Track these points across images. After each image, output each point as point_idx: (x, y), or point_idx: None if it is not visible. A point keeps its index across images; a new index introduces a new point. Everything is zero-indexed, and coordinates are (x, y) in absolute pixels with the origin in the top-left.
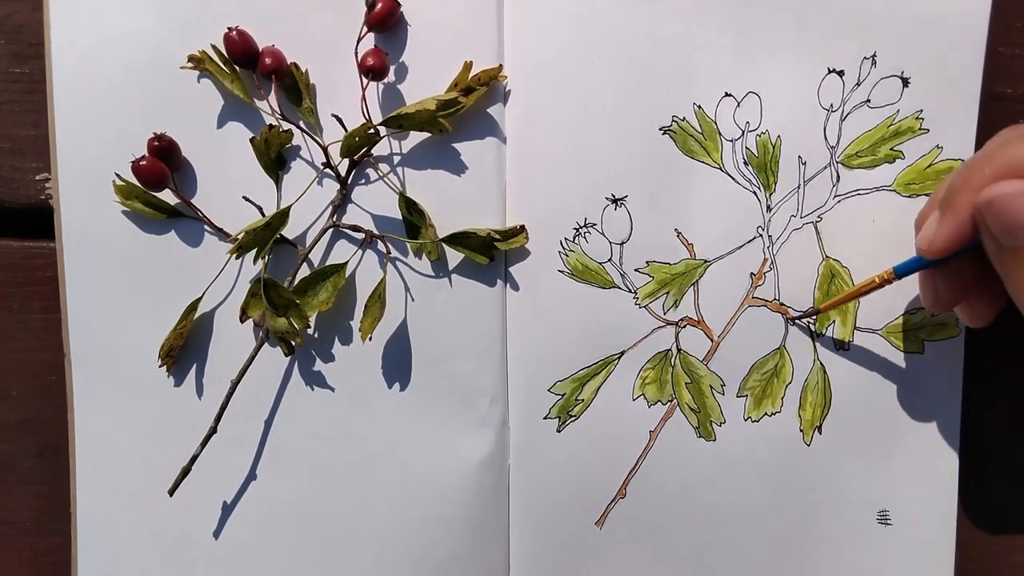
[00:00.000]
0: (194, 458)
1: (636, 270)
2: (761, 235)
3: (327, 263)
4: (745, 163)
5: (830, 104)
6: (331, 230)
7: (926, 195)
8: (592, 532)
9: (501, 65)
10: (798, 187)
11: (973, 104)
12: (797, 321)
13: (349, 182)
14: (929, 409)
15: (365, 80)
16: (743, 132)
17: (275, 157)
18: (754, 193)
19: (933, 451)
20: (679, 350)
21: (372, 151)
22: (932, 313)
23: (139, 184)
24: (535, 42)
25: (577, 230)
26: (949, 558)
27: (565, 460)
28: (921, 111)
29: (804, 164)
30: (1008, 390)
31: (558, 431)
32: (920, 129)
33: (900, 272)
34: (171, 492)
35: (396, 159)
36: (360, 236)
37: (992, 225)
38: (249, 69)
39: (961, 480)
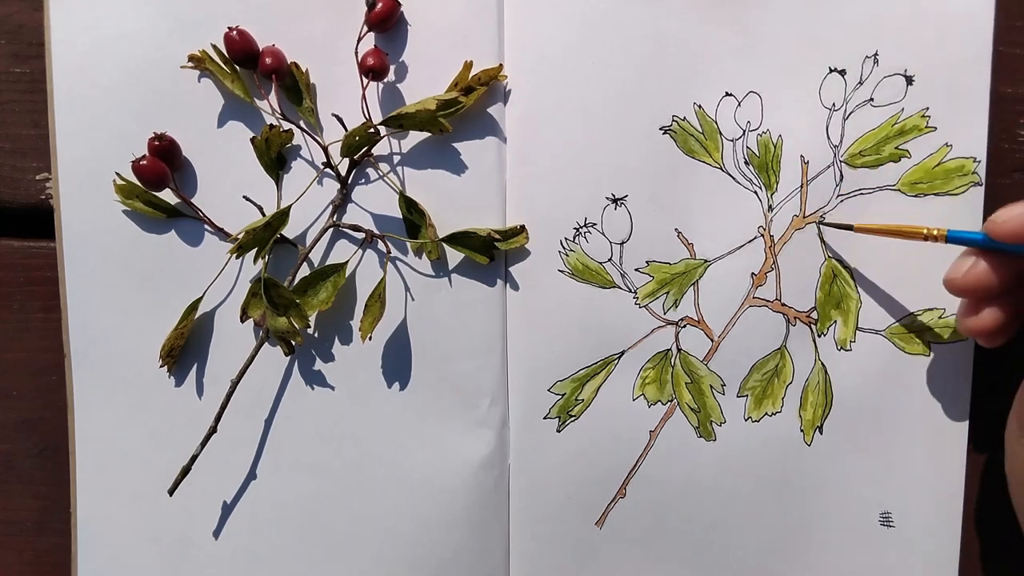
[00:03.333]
0: (194, 458)
1: (636, 270)
2: (762, 235)
3: (327, 263)
4: (746, 163)
5: (832, 103)
6: (331, 230)
7: (933, 194)
8: (592, 532)
9: (501, 65)
10: (800, 186)
11: (983, 101)
12: (825, 226)
13: (349, 182)
14: (935, 411)
15: (365, 80)
16: (744, 132)
17: (275, 157)
18: (755, 193)
19: (938, 453)
20: (679, 350)
21: (372, 151)
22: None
23: (139, 184)
24: (535, 42)
25: (577, 230)
26: (953, 561)
27: (565, 460)
28: (927, 109)
29: (807, 163)
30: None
31: (558, 431)
32: (927, 127)
33: (953, 238)
34: (171, 492)
35: (396, 159)
36: (360, 236)
37: None
38: (249, 69)
39: (966, 481)
